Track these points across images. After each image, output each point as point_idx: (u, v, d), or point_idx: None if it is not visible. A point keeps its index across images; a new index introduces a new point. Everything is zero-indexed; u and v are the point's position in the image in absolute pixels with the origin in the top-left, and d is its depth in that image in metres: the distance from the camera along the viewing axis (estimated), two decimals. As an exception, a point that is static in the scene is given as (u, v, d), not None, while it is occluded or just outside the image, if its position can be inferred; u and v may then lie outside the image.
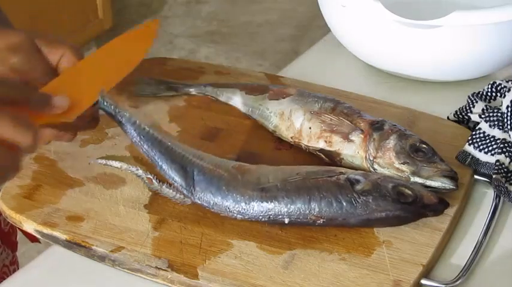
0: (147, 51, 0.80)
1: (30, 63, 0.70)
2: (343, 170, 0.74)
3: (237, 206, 0.72)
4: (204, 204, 0.73)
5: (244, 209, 0.72)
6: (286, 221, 0.71)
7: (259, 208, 0.72)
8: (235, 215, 0.72)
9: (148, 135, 0.74)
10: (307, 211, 0.71)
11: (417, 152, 0.76)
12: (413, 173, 0.74)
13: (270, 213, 0.71)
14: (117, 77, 0.75)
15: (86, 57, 0.77)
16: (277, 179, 0.73)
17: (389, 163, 0.75)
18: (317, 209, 0.71)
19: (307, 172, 0.74)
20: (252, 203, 0.72)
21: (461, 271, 0.69)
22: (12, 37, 0.69)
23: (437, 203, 0.71)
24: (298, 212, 0.71)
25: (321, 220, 0.71)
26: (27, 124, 0.60)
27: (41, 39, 0.72)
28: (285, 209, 0.71)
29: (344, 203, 0.70)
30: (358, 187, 0.71)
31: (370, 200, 0.70)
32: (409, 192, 0.71)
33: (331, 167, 0.75)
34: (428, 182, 0.74)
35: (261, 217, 0.72)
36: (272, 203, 0.71)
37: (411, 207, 0.71)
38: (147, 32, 0.82)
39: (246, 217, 0.72)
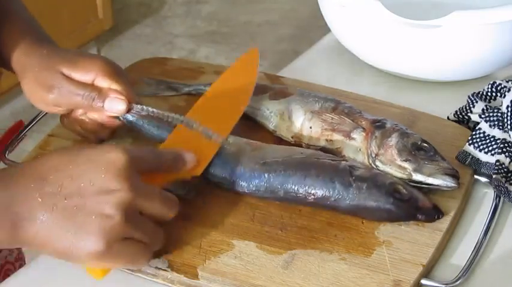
0: (253, 85, 0.83)
1: None
2: (347, 159, 0.76)
3: (240, 178, 0.74)
4: (214, 179, 0.75)
5: (246, 182, 0.74)
6: (281, 194, 0.73)
7: (258, 180, 0.74)
8: (238, 189, 0.75)
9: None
10: (301, 186, 0.72)
11: (419, 150, 0.76)
12: (415, 171, 0.74)
13: (267, 185, 0.73)
14: (234, 119, 0.79)
15: (198, 101, 0.81)
16: (281, 157, 0.75)
17: (391, 160, 0.75)
18: (311, 185, 0.72)
19: (312, 152, 0.76)
20: (253, 175, 0.74)
21: (461, 271, 0.69)
22: None
23: (431, 209, 0.72)
24: (292, 186, 0.73)
25: (312, 197, 0.72)
26: (172, 201, 0.66)
27: (68, 65, 0.77)
28: (281, 182, 0.73)
29: (337, 184, 0.72)
30: (356, 173, 0.72)
31: (364, 187, 0.71)
32: (405, 191, 0.72)
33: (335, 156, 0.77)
34: (430, 180, 0.74)
35: (260, 190, 0.74)
36: (270, 176, 0.73)
37: (403, 204, 0.71)
38: (249, 60, 0.85)
39: (247, 191, 0.74)
